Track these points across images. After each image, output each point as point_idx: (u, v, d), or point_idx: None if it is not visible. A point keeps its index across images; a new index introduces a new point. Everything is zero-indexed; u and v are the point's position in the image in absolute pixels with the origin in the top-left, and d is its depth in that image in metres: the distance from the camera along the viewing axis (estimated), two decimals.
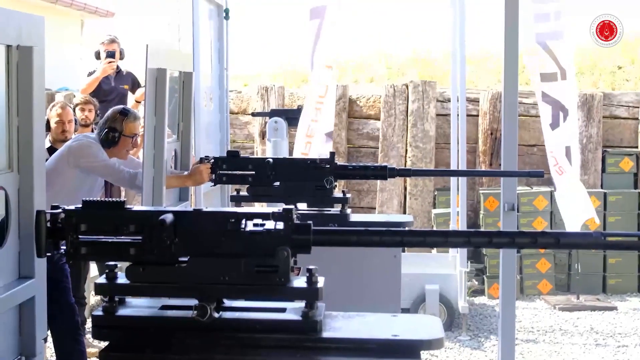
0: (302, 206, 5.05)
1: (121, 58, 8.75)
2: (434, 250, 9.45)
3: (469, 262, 8.56)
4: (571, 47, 8.87)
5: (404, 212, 10.43)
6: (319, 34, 8.82)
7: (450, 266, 8.64)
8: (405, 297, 7.43)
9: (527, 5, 8.28)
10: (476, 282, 9.50)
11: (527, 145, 10.41)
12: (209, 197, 6.71)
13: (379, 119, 10.73)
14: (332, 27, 8.78)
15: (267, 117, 8.98)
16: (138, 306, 2.48)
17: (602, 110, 10.43)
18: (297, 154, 8.34)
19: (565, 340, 8.06)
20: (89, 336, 6.19)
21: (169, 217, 2.35)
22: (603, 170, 10.30)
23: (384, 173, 5.01)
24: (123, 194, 7.58)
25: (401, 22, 18.13)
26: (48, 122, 6.65)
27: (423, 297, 8.06)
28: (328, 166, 4.96)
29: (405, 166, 10.30)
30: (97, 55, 8.67)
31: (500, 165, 5.26)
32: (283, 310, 2.41)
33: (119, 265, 2.47)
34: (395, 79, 13.33)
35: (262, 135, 10.50)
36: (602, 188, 10.19)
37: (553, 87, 8.79)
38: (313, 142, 8.93)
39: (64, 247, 2.45)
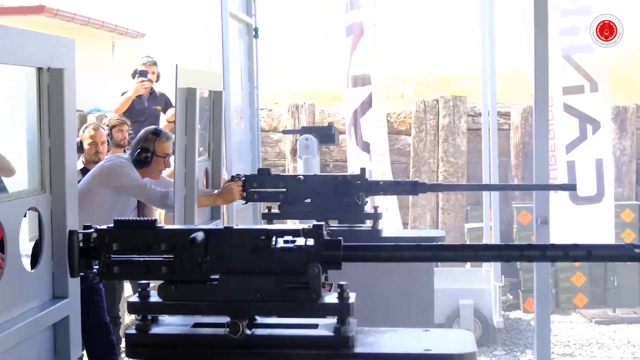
0: (334, 223, 5.06)
1: (157, 81, 8.81)
2: (468, 265, 9.41)
3: (503, 276, 8.50)
4: (602, 59, 8.88)
5: (437, 227, 10.39)
6: (354, 50, 8.93)
7: (484, 281, 8.58)
8: (440, 313, 7.39)
9: (553, 20, 8.28)
10: (511, 297, 9.44)
11: None
12: (241, 215, 6.73)
13: (409, 135, 10.72)
14: (368, 42, 8.91)
15: (298, 135, 9.01)
16: (171, 324, 2.50)
17: (636, 122, 10.35)
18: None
19: (602, 354, 7.98)
20: (124, 355, 6.23)
21: (199, 236, 2.37)
22: (637, 183, 10.21)
23: (414, 189, 5.01)
24: (157, 213, 7.61)
25: (429, 42, 18.14)
26: (81, 143, 6.71)
27: (457, 312, 8.02)
28: (359, 182, 4.97)
29: (437, 181, 10.26)
30: (134, 75, 8.73)
31: (532, 179, 5.22)
32: (315, 326, 2.42)
33: (151, 284, 2.48)
34: (426, 95, 13.32)
35: (293, 152, 10.53)
36: (637, 200, 10.10)
37: (579, 100, 8.79)
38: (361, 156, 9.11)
39: (97, 267, 2.47)
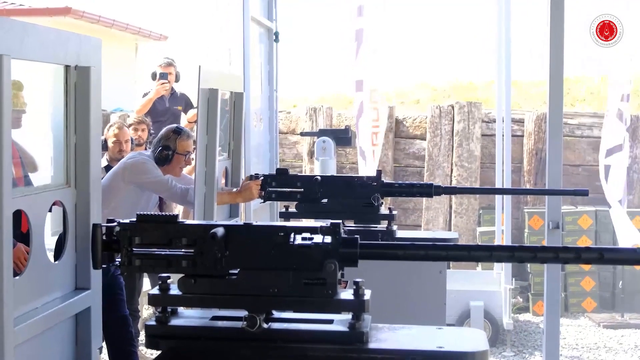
0: (349, 223, 5.12)
1: (176, 80, 8.91)
2: (479, 267, 9.46)
3: (513, 279, 8.55)
4: None
5: (449, 230, 10.44)
6: (357, 56, 8.96)
7: (495, 283, 8.63)
8: (451, 313, 7.44)
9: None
10: (521, 299, 9.50)
11: (571, 166, 10.38)
12: (259, 214, 6.79)
13: (425, 139, 10.77)
14: (370, 49, 8.93)
15: (316, 137, 9.08)
16: (190, 317, 2.53)
17: None
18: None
19: (609, 358, 8.02)
20: (142, 348, 6.30)
21: (220, 231, 2.41)
22: None
23: (429, 191, 5.06)
24: (176, 210, 7.67)
25: (445, 50, 18.16)
26: (105, 141, 6.78)
27: (468, 313, 8.07)
28: (375, 184, 5.02)
29: (450, 185, 10.31)
30: (154, 77, 8.83)
31: (544, 185, 5.27)
32: (330, 321, 2.45)
33: (171, 277, 2.54)
34: (441, 101, 13.36)
35: (311, 154, 10.60)
36: None
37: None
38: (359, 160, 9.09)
39: (119, 260, 2.53)
